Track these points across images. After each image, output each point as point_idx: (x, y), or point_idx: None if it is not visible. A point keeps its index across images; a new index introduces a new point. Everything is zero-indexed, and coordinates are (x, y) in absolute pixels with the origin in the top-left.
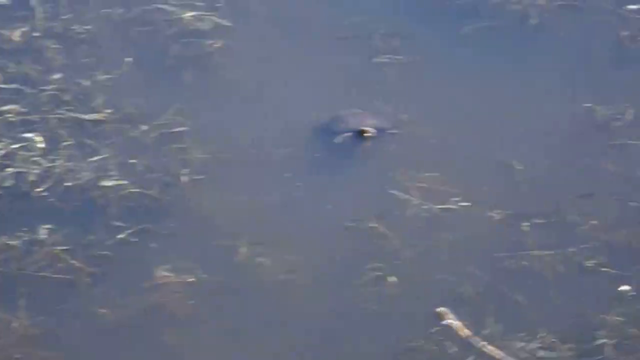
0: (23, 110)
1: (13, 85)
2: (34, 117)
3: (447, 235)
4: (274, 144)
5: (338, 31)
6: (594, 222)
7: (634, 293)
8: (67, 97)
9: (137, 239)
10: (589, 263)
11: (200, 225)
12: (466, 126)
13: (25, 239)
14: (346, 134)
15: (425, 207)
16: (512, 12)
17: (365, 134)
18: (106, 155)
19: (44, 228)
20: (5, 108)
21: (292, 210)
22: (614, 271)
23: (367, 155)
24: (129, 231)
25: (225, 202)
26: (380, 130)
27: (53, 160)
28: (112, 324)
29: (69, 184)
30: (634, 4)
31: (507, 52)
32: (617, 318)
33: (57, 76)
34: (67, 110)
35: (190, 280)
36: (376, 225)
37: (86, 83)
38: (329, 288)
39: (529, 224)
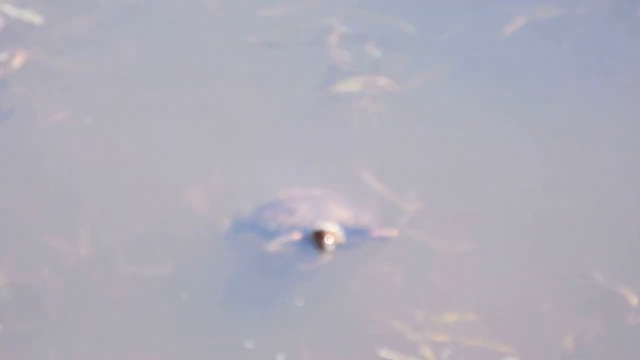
0: None
1: None
2: None
3: None
4: (144, 257)
5: (254, 31)
6: None
7: None
8: None
9: None
10: None
11: None
12: (526, 218)
13: None
14: (287, 238)
15: None
16: None
17: (324, 240)
18: None
19: None
20: None
21: None
22: None
23: (328, 282)
24: None
25: None
26: (355, 232)
27: None
28: None
29: None
30: None
31: None
32: None
33: None
34: None
35: None
36: None
37: None
38: None
39: None
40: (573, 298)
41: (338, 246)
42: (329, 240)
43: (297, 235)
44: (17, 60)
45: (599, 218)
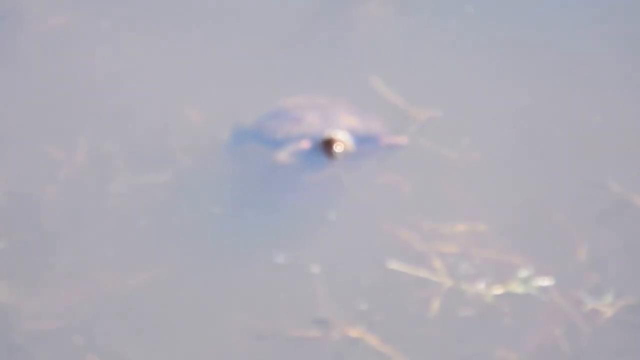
0: None
1: None
2: None
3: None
4: (143, 167)
5: None
6: None
7: None
8: None
9: None
10: None
11: None
12: (538, 126)
13: None
14: (295, 147)
15: (467, 291)
16: None
17: (334, 148)
18: None
19: None
20: None
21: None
22: None
23: (338, 192)
24: None
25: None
26: (365, 140)
27: None
28: None
29: None
30: None
31: None
32: None
33: None
34: None
35: None
36: (366, 332)
37: None
38: None
39: None
40: (587, 208)
41: (348, 154)
42: (338, 148)
43: (306, 144)
44: None
45: (614, 127)
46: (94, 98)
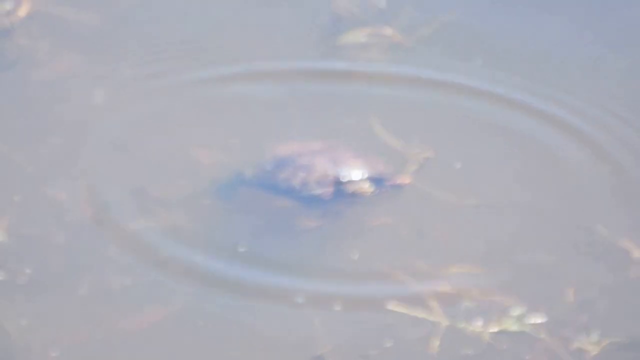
0: None
1: None
2: None
3: None
4: (147, 211)
5: None
6: None
7: None
8: None
9: None
10: None
11: None
12: (529, 171)
13: None
14: (320, 193)
15: (464, 330)
16: None
17: (360, 191)
18: None
19: None
20: None
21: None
22: None
23: (335, 234)
24: None
25: None
26: (373, 182)
27: None
28: None
29: None
30: None
31: None
32: None
33: None
34: None
35: None
36: None
37: None
38: None
39: None
40: (576, 251)
41: (363, 197)
42: (364, 191)
43: (330, 188)
44: (23, 10)
45: (603, 172)
46: (98, 142)
